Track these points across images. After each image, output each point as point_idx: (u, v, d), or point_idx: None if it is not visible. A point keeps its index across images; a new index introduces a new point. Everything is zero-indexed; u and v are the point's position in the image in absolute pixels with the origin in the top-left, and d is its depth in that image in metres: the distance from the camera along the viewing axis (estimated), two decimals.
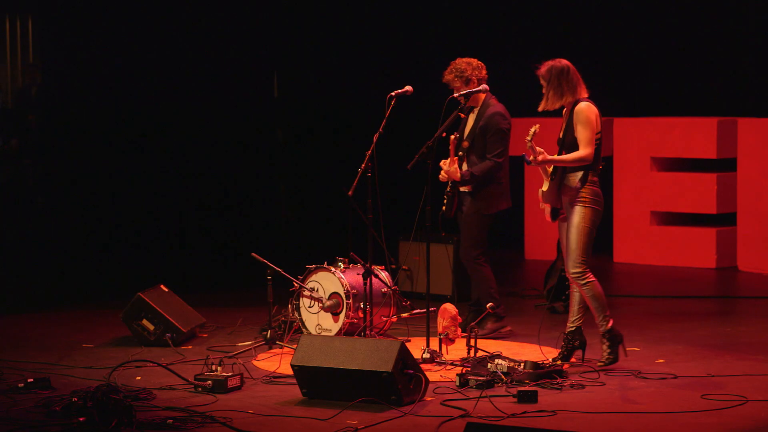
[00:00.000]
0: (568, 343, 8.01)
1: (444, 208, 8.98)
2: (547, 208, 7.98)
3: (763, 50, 13.31)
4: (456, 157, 8.89)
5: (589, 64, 13.04)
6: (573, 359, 8.01)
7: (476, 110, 9.03)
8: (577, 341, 8.01)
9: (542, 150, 7.81)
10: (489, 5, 14.25)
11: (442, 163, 8.89)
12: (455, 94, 8.83)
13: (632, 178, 13.08)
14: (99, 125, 13.13)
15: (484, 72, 9.01)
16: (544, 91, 7.93)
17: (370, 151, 8.52)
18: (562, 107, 7.95)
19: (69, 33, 13.01)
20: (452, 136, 8.82)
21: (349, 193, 8.55)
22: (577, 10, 14.00)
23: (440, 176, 8.96)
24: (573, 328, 8.03)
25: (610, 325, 7.85)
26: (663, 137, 12.90)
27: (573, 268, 7.83)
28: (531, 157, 7.80)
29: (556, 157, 7.85)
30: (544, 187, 7.92)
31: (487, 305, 8.40)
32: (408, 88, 8.80)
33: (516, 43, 14.14)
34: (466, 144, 9.00)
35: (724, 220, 12.82)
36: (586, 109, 7.80)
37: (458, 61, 9.01)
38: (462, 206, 9.03)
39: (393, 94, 8.68)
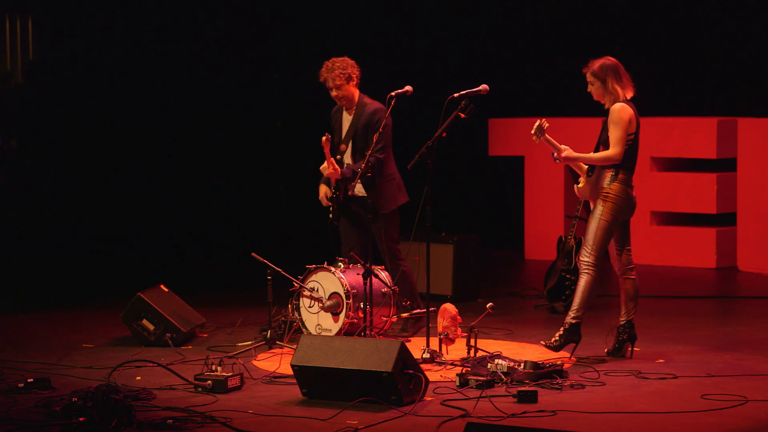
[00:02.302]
0: (618, 336, 8.12)
1: (330, 216, 8.93)
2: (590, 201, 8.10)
3: (763, 50, 13.32)
4: (333, 159, 8.82)
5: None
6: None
7: (352, 110, 9.01)
8: (626, 334, 8.12)
9: (567, 147, 7.98)
10: (489, 5, 14.25)
11: (321, 169, 8.83)
12: (455, 94, 8.82)
13: (632, 178, 13.07)
14: (99, 125, 13.13)
15: (359, 71, 8.99)
16: (591, 89, 8.00)
17: (370, 151, 8.51)
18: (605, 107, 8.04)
19: (69, 33, 13.00)
20: (323, 137, 8.66)
21: (350, 193, 8.54)
22: (577, 10, 14.00)
23: (321, 196, 8.95)
24: (623, 322, 8.15)
25: (576, 321, 7.96)
26: (663, 137, 12.90)
27: (583, 256, 7.98)
28: (555, 154, 7.92)
29: (581, 154, 7.99)
30: (580, 184, 8.07)
31: (488, 305, 8.39)
32: (408, 88, 8.79)
33: (516, 43, 14.15)
34: (343, 147, 8.96)
35: (724, 220, 12.82)
36: (619, 109, 7.91)
37: (335, 59, 8.97)
38: (360, 210, 8.95)
39: (393, 94, 8.68)
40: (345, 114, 9.05)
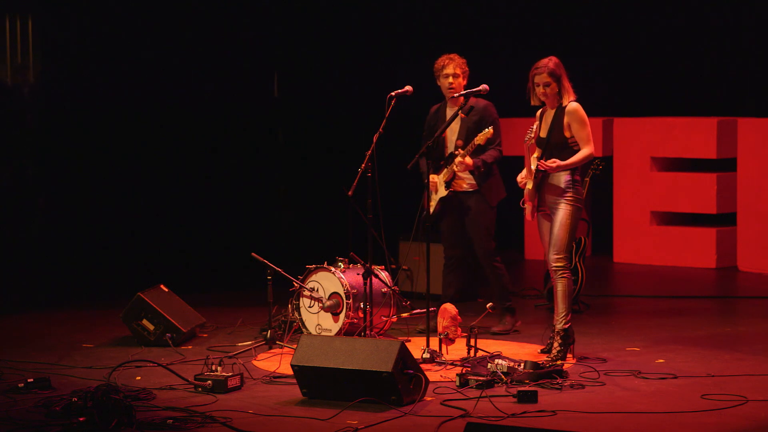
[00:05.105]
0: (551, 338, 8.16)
1: (430, 210, 8.99)
2: (529, 207, 8.17)
3: (763, 50, 13.32)
4: (448, 154, 8.91)
5: (590, 64, 13.11)
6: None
7: (456, 107, 9.04)
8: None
9: (555, 159, 8.00)
10: (488, 3, 14.25)
11: (457, 162, 8.90)
12: (455, 94, 8.84)
13: (632, 178, 13.09)
14: (99, 125, 13.12)
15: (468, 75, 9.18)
16: (546, 91, 8.02)
17: (370, 151, 8.52)
18: (536, 107, 8.18)
19: (69, 33, 13.00)
20: (486, 131, 8.85)
21: (349, 193, 8.55)
22: (578, 9, 14.00)
23: (435, 178, 8.99)
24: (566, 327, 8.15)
25: (568, 325, 7.99)
26: (663, 137, 12.91)
27: (556, 261, 8.03)
28: (542, 168, 7.94)
29: (568, 161, 8.01)
30: (530, 186, 8.12)
31: (488, 305, 8.40)
32: (408, 88, 8.80)
33: (515, 42, 14.14)
34: (460, 142, 9.01)
35: (724, 220, 12.82)
36: (579, 108, 8.00)
37: (457, 56, 9.09)
38: (464, 204, 9.08)
39: (393, 94, 8.69)
40: (449, 111, 9.09)
